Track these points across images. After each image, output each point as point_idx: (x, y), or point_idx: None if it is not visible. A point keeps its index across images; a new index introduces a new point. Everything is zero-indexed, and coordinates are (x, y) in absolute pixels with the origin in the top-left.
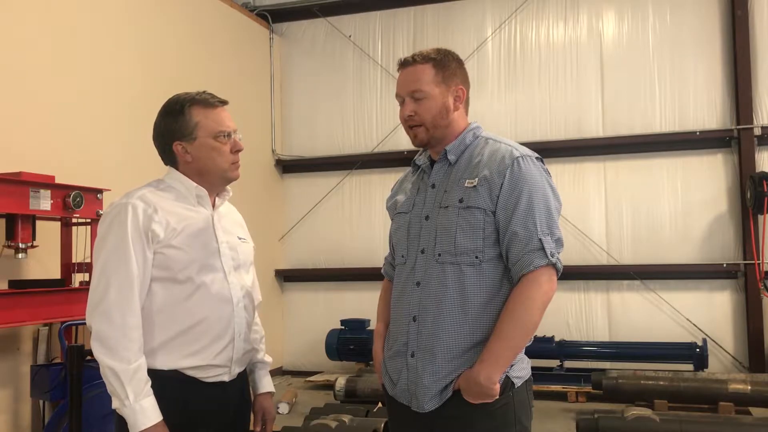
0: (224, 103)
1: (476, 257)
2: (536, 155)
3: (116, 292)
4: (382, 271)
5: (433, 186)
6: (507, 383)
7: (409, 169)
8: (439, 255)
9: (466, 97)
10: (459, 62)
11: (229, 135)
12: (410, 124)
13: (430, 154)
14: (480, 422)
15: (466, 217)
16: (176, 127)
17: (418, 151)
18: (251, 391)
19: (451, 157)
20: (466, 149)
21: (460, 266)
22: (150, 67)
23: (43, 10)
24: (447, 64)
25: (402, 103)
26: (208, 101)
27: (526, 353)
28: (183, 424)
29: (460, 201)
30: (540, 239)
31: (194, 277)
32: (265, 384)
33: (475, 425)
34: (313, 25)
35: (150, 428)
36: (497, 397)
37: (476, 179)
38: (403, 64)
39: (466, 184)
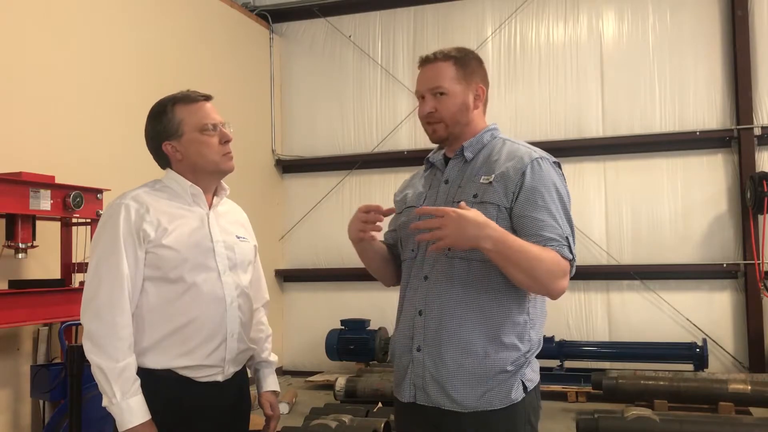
0: (207, 97)
1: None
2: (554, 159)
3: (107, 291)
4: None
5: (447, 182)
6: (521, 386)
7: (421, 167)
8: (449, 249)
9: (486, 96)
10: (479, 61)
11: (215, 127)
12: (430, 121)
13: (445, 152)
14: (495, 422)
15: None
16: (162, 128)
17: (418, 150)
18: (256, 390)
19: (468, 155)
20: (483, 148)
21: (470, 261)
22: (150, 67)
23: (43, 10)
24: (468, 62)
25: (422, 99)
26: (190, 97)
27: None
28: (177, 423)
29: (474, 196)
30: (567, 237)
31: (186, 276)
32: (270, 383)
33: (490, 424)
34: (313, 25)
35: (136, 427)
36: (459, 248)
37: (492, 176)
38: (424, 61)
39: (481, 181)
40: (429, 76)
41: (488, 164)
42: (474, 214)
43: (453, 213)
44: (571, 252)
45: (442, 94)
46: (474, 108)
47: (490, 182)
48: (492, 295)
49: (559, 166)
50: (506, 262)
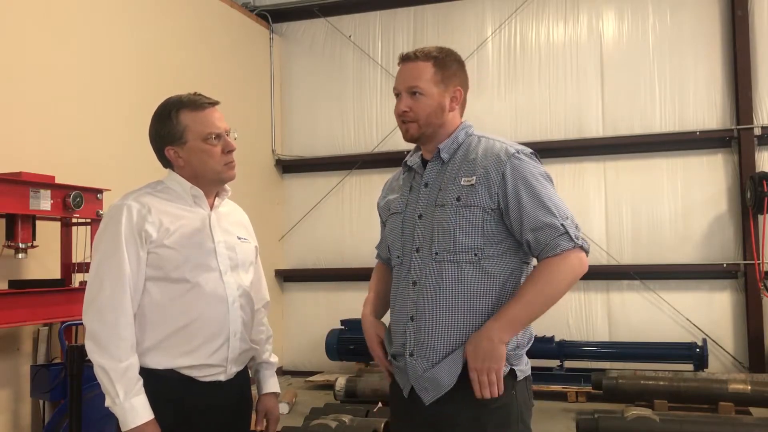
0: (214, 103)
1: (475, 255)
2: (530, 150)
3: (109, 291)
4: (376, 256)
5: (426, 185)
6: (511, 375)
7: (398, 170)
8: (436, 254)
9: (464, 98)
10: (460, 63)
11: (218, 136)
12: (404, 120)
13: (422, 153)
14: (485, 418)
15: (464, 215)
16: (166, 133)
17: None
18: (257, 391)
19: (444, 156)
20: (459, 147)
21: (459, 264)
22: (150, 67)
23: (43, 10)
24: (448, 65)
25: (399, 97)
26: (196, 103)
27: (526, 354)
28: (179, 423)
29: (458, 199)
30: (562, 224)
31: (188, 276)
32: (271, 384)
33: (480, 421)
34: (313, 25)
35: (140, 426)
36: (503, 365)
37: (473, 177)
38: (404, 59)
39: (462, 182)
40: (407, 75)
41: (466, 164)
42: (472, 341)
43: (473, 365)
44: (571, 238)
45: (418, 94)
46: (449, 110)
47: (473, 184)
48: (483, 297)
49: (536, 156)
50: (529, 320)
